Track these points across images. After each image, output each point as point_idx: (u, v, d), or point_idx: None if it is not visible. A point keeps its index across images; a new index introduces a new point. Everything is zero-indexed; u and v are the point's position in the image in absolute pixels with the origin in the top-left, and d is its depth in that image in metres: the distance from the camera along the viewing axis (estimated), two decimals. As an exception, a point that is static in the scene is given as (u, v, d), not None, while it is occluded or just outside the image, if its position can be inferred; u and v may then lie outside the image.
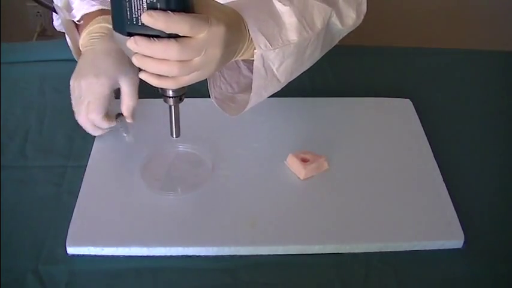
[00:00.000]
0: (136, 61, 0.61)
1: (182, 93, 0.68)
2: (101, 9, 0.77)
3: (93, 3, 0.78)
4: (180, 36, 0.59)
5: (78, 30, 0.84)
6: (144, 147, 0.85)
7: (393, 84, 1.03)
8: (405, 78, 1.06)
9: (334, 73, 1.04)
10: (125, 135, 0.85)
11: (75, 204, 0.77)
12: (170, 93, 0.68)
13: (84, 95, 0.79)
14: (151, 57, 0.60)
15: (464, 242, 0.75)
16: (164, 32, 0.58)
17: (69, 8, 0.82)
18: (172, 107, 0.70)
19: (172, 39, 0.59)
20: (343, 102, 0.97)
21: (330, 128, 0.92)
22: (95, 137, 0.87)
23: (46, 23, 1.92)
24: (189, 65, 0.61)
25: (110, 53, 0.76)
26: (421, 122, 0.93)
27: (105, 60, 0.76)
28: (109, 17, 0.77)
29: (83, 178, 0.81)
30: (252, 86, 0.72)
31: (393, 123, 0.93)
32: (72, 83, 0.80)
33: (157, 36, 0.59)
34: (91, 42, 0.77)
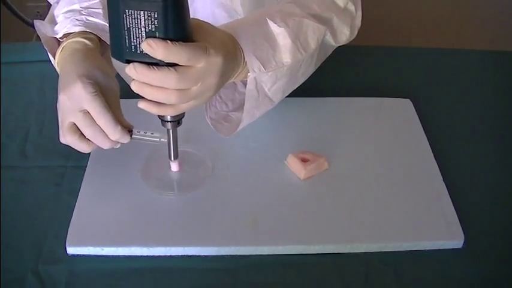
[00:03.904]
0: (134, 87, 0.61)
1: (180, 118, 0.69)
2: (83, 31, 0.76)
3: (77, 23, 0.76)
4: (178, 64, 0.60)
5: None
6: (144, 147, 0.85)
7: (393, 84, 1.03)
8: (405, 78, 1.06)
9: (334, 73, 1.04)
10: (157, 140, 0.75)
11: (75, 204, 0.77)
12: (168, 118, 0.69)
13: (77, 102, 0.67)
14: (150, 85, 0.60)
15: (464, 242, 0.75)
16: (163, 61, 0.59)
17: (53, 21, 0.81)
18: (171, 130, 0.71)
19: (171, 69, 0.59)
20: (343, 102, 0.97)
21: (330, 128, 0.92)
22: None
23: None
24: (187, 93, 0.62)
25: (86, 61, 0.71)
26: (421, 122, 0.93)
27: (83, 64, 0.71)
28: (87, 34, 0.75)
29: (83, 178, 0.81)
30: (244, 107, 0.73)
31: (393, 123, 0.93)
32: (60, 98, 0.69)
33: (155, 64, 0.59)
34: (64, 59, 0.73)
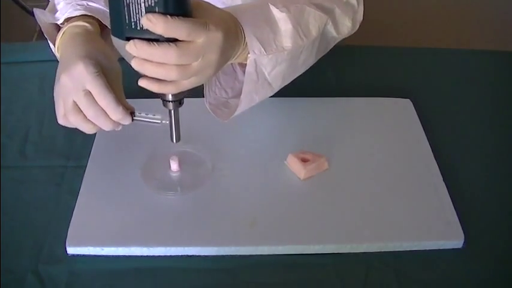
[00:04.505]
0: (135, 64, 0.61)
1: (182, 97, 0.69)
2: (84, 15, 0.77)
3: (78, 7, 0.77)
4: (178, 40, 0.60)
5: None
6: (144, 147, 0.85)
7: (393, 84, 1.03)
8: (405, 78, 1.06)
9: (334, 73, 1.04)
10: (158, 122, 0.73)
11: (75, 204, 0.77)
12: (170, 97, 0.68)
13: (79, 83, 0.67)
14: (150, 61, 0.60)
15: (464, 242, 0.75)
16: (162, 36, 0.59)
17: (53, 10, 0.82)
18: (172, 111, 0.70)
19: (171, 44, 0.59)
20: (343, 102, 0.97)
21: (330, 128, 0.92)
22: (95, 137, 0.87)
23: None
24: (188, 69, 0.62)
25: (86, 44, 0.72)
26: (421, 122, 0.93)
27: (84, 47, 0.72)
28: (88, 18, 0.76)
29: (83, 178, 0.81)
30: (243, 89, 0.73)
31: (393, 123, 0.93)
32: (58, 78, 0.70)
33: (156, 40, 0.59)
34: (64, 43, 0.74)
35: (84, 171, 0.82)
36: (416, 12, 2.21)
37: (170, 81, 0.63)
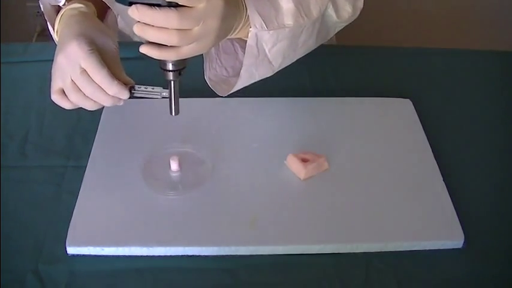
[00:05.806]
0: (137, 29, 0.63)
1: (182, 67, 0.69)
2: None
3: None
4: (179, 6, 0.61)
5: None
6: (144, 147, 0.85)
7: (393, 84, 1.03)
8: (405, 78, 1.06)
9: (334, 73, 1.04)
10: (158, 94, 0.73)
11: (75, 204, 0.77)
12: (170, 66, 0.68)
13: (75, 61, 0.68)
14: (152, 26, 0.62)
15: (464, 242, 0.75)
16: (164, 1, 0.60)
17: None
18: (172, 82, 0.71)
19: (172, 8, 0.61)
20: (343, 102, 0.97)
21: (330, 128, 0.92)
22: (95, 137, 0.87)
23: (46, 22, 1.93)
24: (189, 34, 0.63)
25: (81, 23, 0.74)
26: (421, 122, 0.93)
27: (79, 26, 0.73)
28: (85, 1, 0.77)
29: (83, 178, 0.81)
30: (243, 63, 0.74)
31: (393, 123, 0.93)
32: (55, 60, 0.71)
33: (158, 5, 0.61)
34: (61, 25, 0.76)
35: (84, 171, 0.82)
36: (416, 12, 2.21)
37: (171, 47, 0.64)
